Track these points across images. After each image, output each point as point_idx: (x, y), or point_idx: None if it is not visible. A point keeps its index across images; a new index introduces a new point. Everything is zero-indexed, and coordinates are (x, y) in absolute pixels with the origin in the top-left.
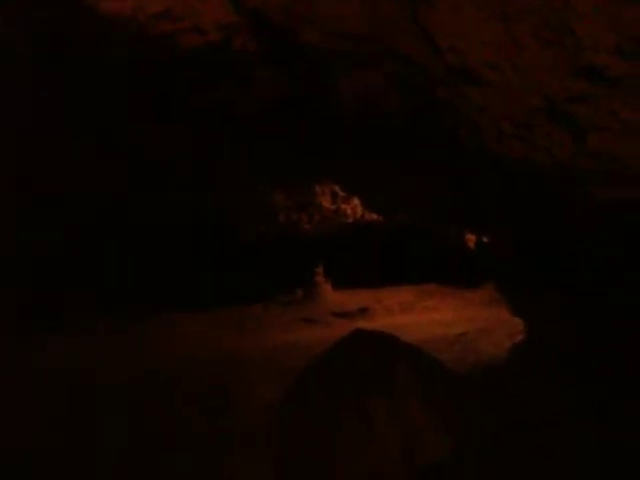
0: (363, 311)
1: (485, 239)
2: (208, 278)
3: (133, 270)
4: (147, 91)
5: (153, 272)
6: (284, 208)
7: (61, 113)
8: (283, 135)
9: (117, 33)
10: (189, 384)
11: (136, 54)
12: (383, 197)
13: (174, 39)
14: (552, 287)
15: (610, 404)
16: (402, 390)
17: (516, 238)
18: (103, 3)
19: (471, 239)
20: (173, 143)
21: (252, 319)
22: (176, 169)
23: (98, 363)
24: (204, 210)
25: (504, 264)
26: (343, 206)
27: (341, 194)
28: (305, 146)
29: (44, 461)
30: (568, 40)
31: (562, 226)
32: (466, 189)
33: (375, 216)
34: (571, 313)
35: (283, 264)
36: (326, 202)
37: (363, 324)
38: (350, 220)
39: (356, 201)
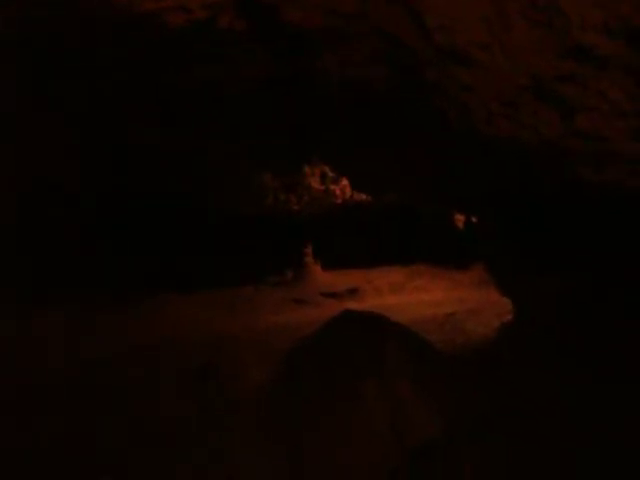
0: (353, 291)
1: (474, 219)
2: (200, 261)
3: (132, 254)
4: (135, 73)
5: (149, 256)
6: (272, 189)
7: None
8: (271, 116)
9: (102, 10)
10: (173, 364)
11: (121, 35)
12: (370, 178)
13: (160, 18)
14: (543, 270)
15: (599, 389)
16: (392, 371)
17: (503, 219)
18: None
19: (460, 219)
20: (160, 127)
21: (243, 300)
22: (163, 153)
23: (86, 339)
24: (189, 193)
25: (492, 245)
26: (332, 187)
27: (330, 175)
28: (294, 127)
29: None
30: (556, 20)
31: (550, 207)
32: (454, 170)
33: (364, 196)
34: (568, 302)
35: (273, 245)
36: (315, 183)
37: (353, 304)
38: (339, 201)
39: (345, 182)
